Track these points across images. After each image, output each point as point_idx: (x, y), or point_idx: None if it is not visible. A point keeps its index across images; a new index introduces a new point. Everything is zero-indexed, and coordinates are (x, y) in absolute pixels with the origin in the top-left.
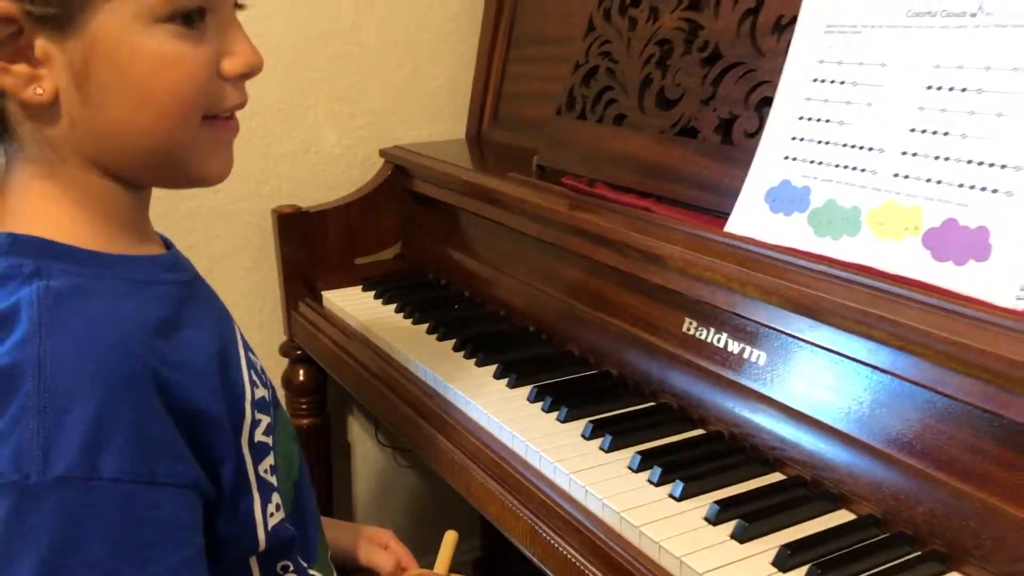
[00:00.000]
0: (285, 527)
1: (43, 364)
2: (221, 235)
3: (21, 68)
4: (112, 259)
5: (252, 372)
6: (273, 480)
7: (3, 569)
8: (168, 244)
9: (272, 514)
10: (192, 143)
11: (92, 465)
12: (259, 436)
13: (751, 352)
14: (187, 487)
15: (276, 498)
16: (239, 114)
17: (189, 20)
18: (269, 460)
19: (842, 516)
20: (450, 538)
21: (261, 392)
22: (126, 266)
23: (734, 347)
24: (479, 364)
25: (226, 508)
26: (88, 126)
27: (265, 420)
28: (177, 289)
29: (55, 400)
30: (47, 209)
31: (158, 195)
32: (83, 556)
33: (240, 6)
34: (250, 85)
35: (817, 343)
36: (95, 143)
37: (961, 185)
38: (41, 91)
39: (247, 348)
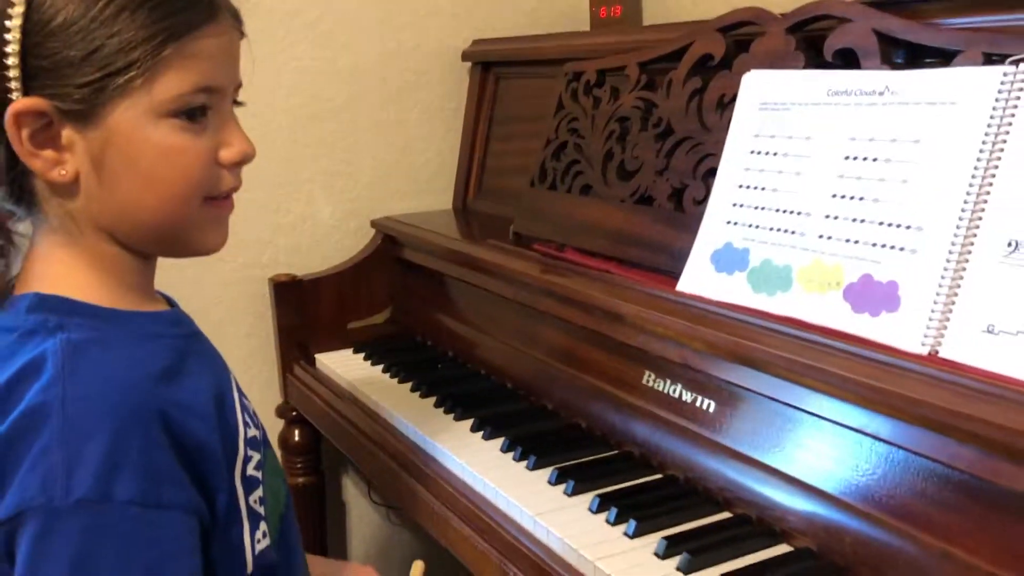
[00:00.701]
0: (270, 553)
1: (65, 404)
2: (223, 301)
3: (49, 153)
4: (123, 315)
5: (245, 414)
6: (261, 510)
7: None
8: (171, 302)
9: (259, 540)
10: (192, 220)
11: (107, 490)
12: (250, 470)
13: (702, 401)
14: (189, 512)
15: (263, 526)
16: (242, 187)
17: (192, 116)
18: (258, 492)
19: (781, 549)
20: (417, 568)
21: (253, 432)
22: (136, 321)
23: (687, 397)
24: (457, 419)
25: (219, 533)
26: (103, 203)
27: (256, 456)
28: (180, 342)
29: (75, 434)
30: (67, 272)
31: (164, 263)
32: (100, 570)
33: (238, 103)
34: (252, 161)
35: (757, 391)
36: (109, 217)
37: (875, 244)
38: (64, 172)
39: (241, 393)
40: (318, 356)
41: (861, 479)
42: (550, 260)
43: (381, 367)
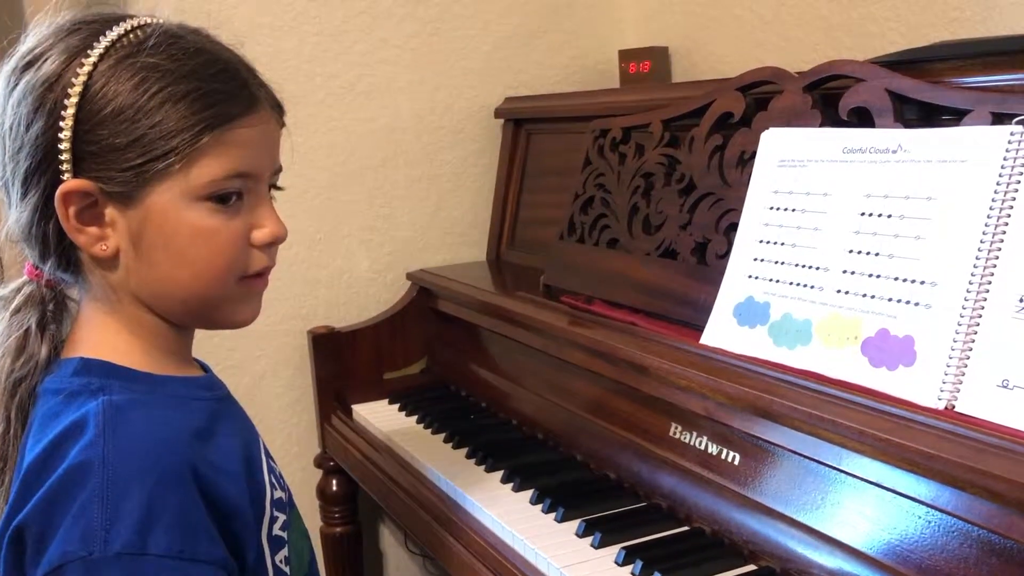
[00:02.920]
0: None
1: (106, 461)
2: (263, 354)
3: (93, 230)
4: (160, 379)
5: (272, 476)
6: (286, 570)
7: None
8: (206, 368)
9: None
10: (224, 297)
11: (144, 542)
12: (276, 530)
13: (727, 453)
14: (220, 567)
15: None
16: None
17: (224, 200)
18: (284, 552)
19: None
20: None
21: (279, 493)
22: (171, 385)
23: (713, 449)
24: (488, 470)
25: None
26: (140, 276)
27: (281, 517)
28: (212, 404)
29: (115, 490)
30: (109, 338)
31: None
32: None
33: (278, 188)
34: (293, 218)
35: (778, 443)
36: (146, 290)
37: (891, 299)
38: (106, 247)
39: (268, 455)
40: (355, 407)
41: (882, 533)
42: (578, 312)
43: (415, 418)
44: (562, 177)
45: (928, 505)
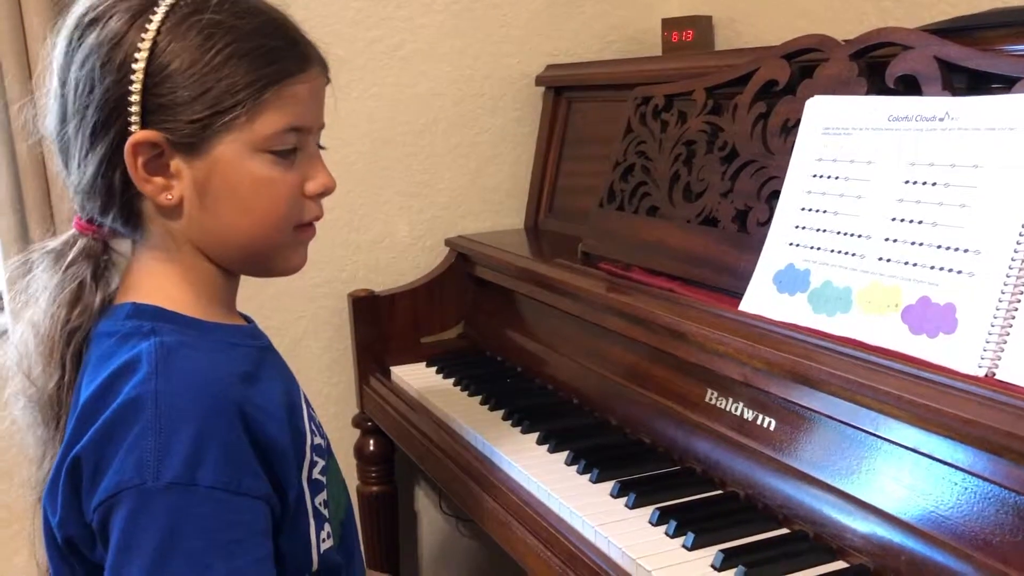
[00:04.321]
0: (333, 555)
1: (158, 397)
2: (304, 315)
3: (160, 180)
4: (209, 325)
5: (312, 423)
6: (326, 512)
7: (125, 557)
8: (248, 319)
9: (324, 540)
10: (280, 244)
11: (193, 475)
12: (316, 474)
13: (763, 419)
14: (264, 500)
15: (327, 528)
16: (325, 204)
17: (283, 155)
18: (323, 496)
19: (836, 566)
20: None
21: (319, 440)
22: (219, 331)
23: (749, 415)
24: (524, 432)
25: (288, 527)
26: (202, 224)
27: (320, 463)
28: (256, 352)
29: (166, 424)
30: (162, 284)
31: (247, 279)
32: (184, 547)
33: (321, 147)
34: (335, 183)
35: (815, 409)
36: (206, 237)
37: (933, 267)
38: (171, 197)
39: (308, 404)
40: (393, 369)
41: (918, 499)
42: (616, 279)
43: (452, 380)
44: (601, 145)
45: (965, 471)
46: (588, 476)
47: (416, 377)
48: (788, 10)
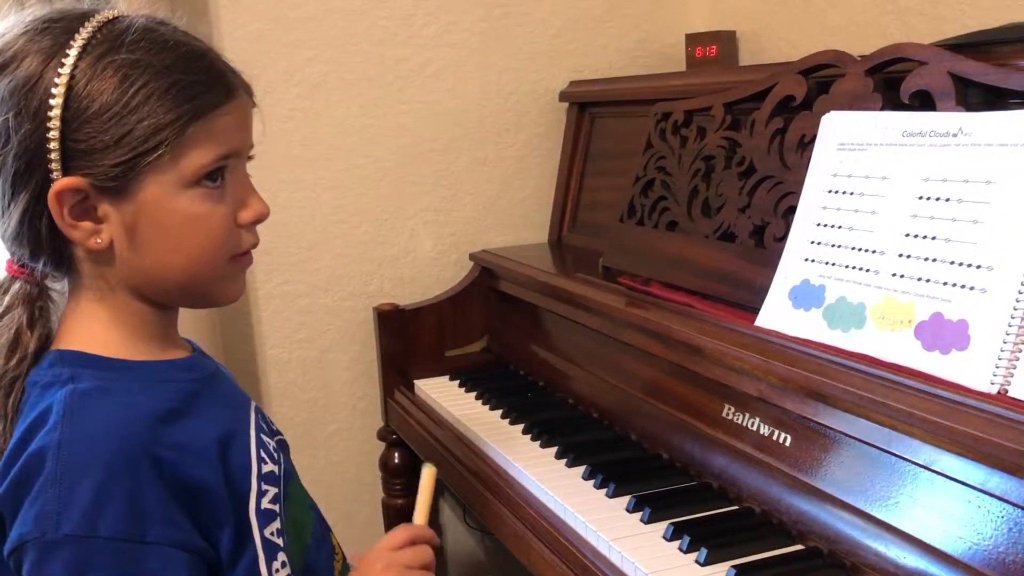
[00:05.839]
0: None
1: (61, 446)
2: (330, 329)
3: (87, 225)
4: (134, 364)
5: (262, 450)
6: (279, 542)
7: None
8: (195, 348)
9: (278, 570)
10: (216, 277)
11: (93, 526)
12: (265, 504)
13: (779, 435)
14: (175, 546)
15: (281, 556)
16: (351, 219)
17: (212, 178)
18: (275, 525)
19: None
20: (427, 475)
21: (269, 467)
22: (145, 369)
23: (765, 430)
24: (543, 446)
25: (230, 564)
26: (134, 265)
27: (272, 491)
28: (189, 385)
29: (67, 474)
30: (90, 327)
31: (275, 293)
32: None
33: (250, 157)
34: (361, 197)
35: (828, 425)
36: (139, 277)
37: (946, 283)
38: (100, 241)
39: (260, 431)
40: (417, 382)
41: (932, 517)
42: (635, 294)
43: (475, 394)
44: (624, 160)
45: (979, 490)
46: (605, 491)
47: (439, 391)
48: (812, 25)
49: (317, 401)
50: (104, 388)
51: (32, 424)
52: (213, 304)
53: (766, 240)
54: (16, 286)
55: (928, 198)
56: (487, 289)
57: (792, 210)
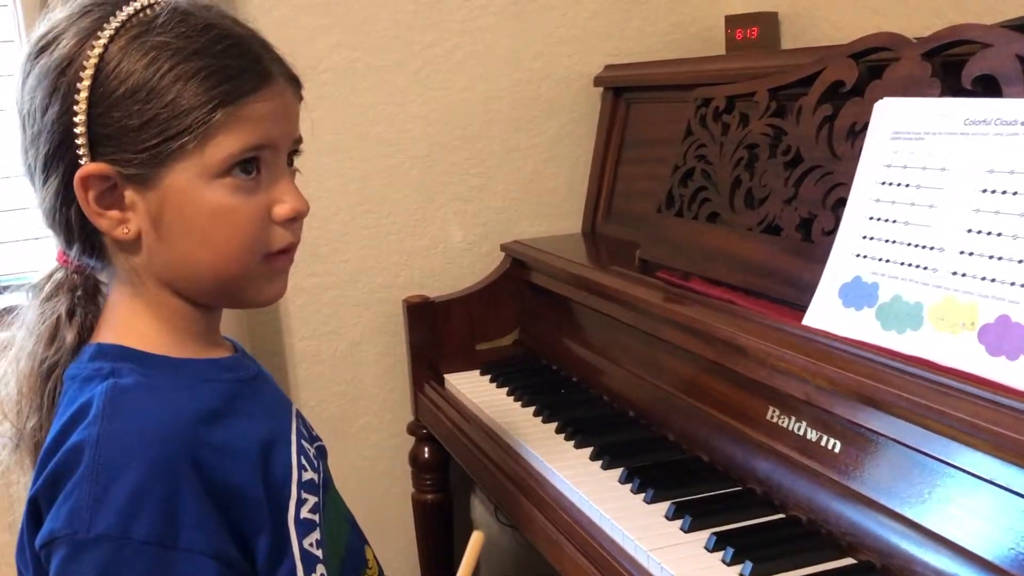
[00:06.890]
0: None
1: (99, 442)
2: (360, 321)
3: (114, 213)
4: (177, 362)
5: (303, 457)
6: (319, 553)
7: None
8: (237, 348)
9: None
10: (248, 276)
11: (126, 527)
12: (305, 513)
13: (828, 440)
14: (207, 555)
15: (320, 568)
16: (380, 209)
17: (247, 170)
18: (315, 535)
19: None
20: (475, 540)
21: (310, 475)
22: (188, 367)
23: (812, 435)
24: (577, 446)
25: (263, 574)
26: (162, 257)
27: (312, 499)
28: (231, 386)
29: (104, 472)
30: (131, 321)
31: (304, 285)
32: None
33: (297, 153)
34: (390, 186)
35: (881, 431)
36: (167, 271)
37: (1013, 283)
38: (127, 230)
39: (301, 436)
40: (447, 376)
41: (995, 533)
42: (673, 288)
43: (506, 390)
44: (662, 148)
45: None
46: (643, 496)
47: (470, 386)
48: (859, 6)
49: (347, 394)
50: (146, 384)
51: (72, 417)
52: (250, 304)
53: (814, 234)
54: (60, 275)
55: (993, 191)
56: (519, 281)
57: (842, 202)
